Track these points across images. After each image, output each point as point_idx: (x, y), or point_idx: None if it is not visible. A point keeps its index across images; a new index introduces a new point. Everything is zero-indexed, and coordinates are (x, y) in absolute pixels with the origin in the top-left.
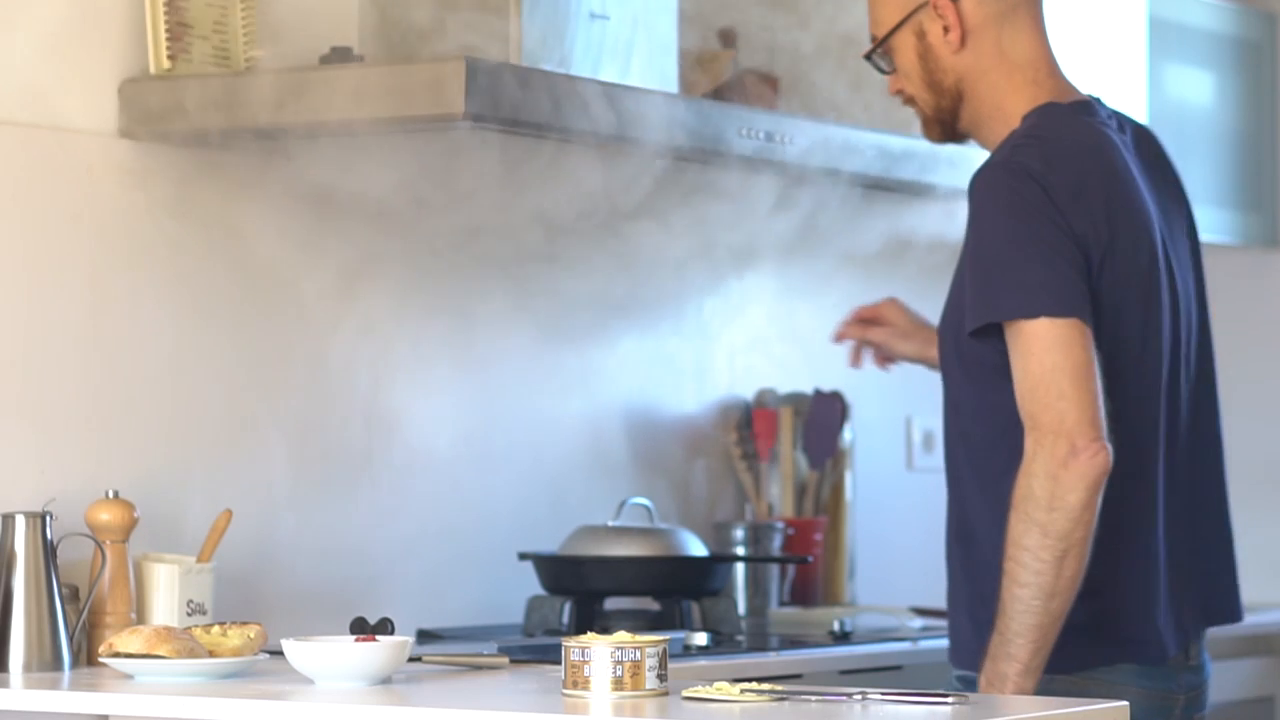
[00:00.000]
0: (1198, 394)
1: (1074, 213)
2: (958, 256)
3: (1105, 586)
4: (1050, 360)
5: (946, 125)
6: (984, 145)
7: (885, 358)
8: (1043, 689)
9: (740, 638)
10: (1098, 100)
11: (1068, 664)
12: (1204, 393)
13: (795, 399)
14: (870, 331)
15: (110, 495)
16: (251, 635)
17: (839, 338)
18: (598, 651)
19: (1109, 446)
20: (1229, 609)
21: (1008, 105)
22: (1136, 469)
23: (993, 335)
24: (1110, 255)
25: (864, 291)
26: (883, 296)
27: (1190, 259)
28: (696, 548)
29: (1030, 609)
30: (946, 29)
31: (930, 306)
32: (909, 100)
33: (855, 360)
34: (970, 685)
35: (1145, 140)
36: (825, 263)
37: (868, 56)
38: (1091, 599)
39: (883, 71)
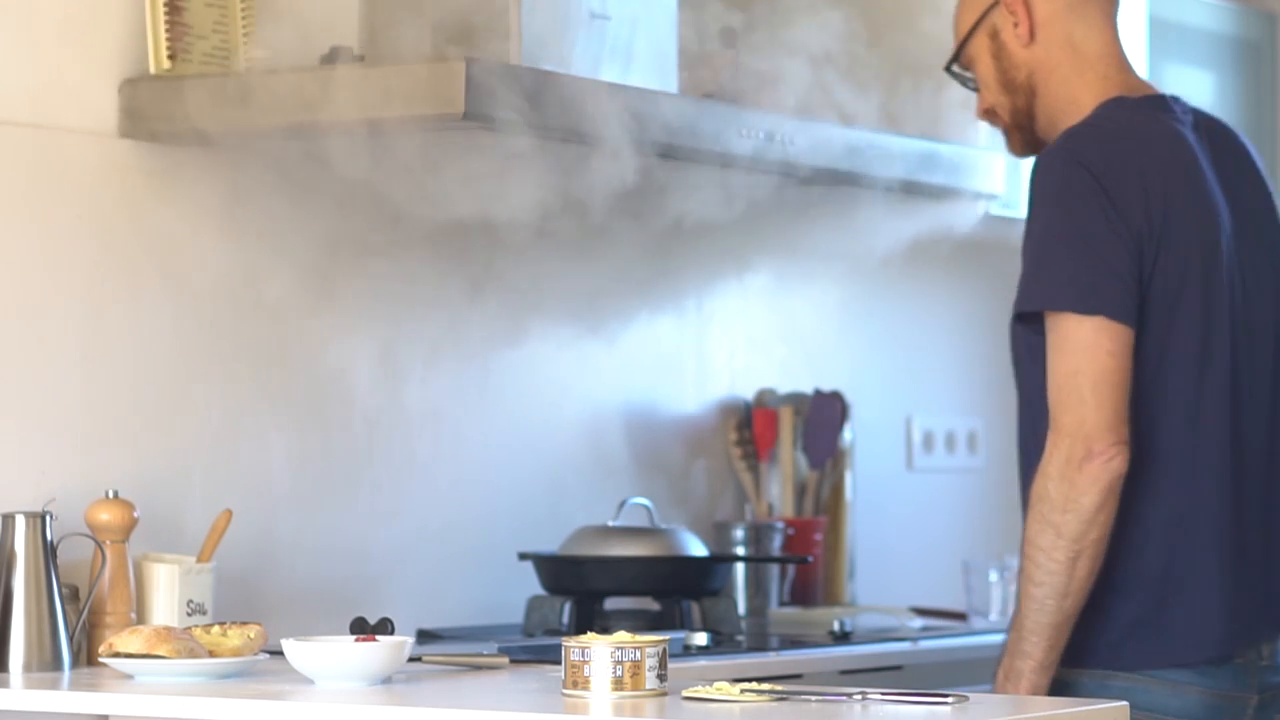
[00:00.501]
0: (1277, 391)
1: (1125, 202)
2: (959, 253)
3: (1169, 583)
4: (1074, 363)
5: (1026, 130)
6: None
7: None
8: (1098, 687)
9: (740, 638)
10: (1174, 98)
11: (1130, 662)
12: (1271, 417)
13: (795, 399)
14: None
15: (110, 495)
16: (251, 635)
17: None
18: (598, 651)
19: (1126, 450)
20: None
21: (1081, 99)
22: (1203, 463)
23: (1039, 324)
24: (1165, 246)
25: (864, 291)
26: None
27: (1270, 256)
28: (696, 548)
29: (1044, 608)
30: (1017, 24)
31: (931, 303)
32: (994, 116)
33: None
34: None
35: (1226, 138)
36: (826, 263)
37: (948, 68)
38: (1156, 596)
39: (967, 87)
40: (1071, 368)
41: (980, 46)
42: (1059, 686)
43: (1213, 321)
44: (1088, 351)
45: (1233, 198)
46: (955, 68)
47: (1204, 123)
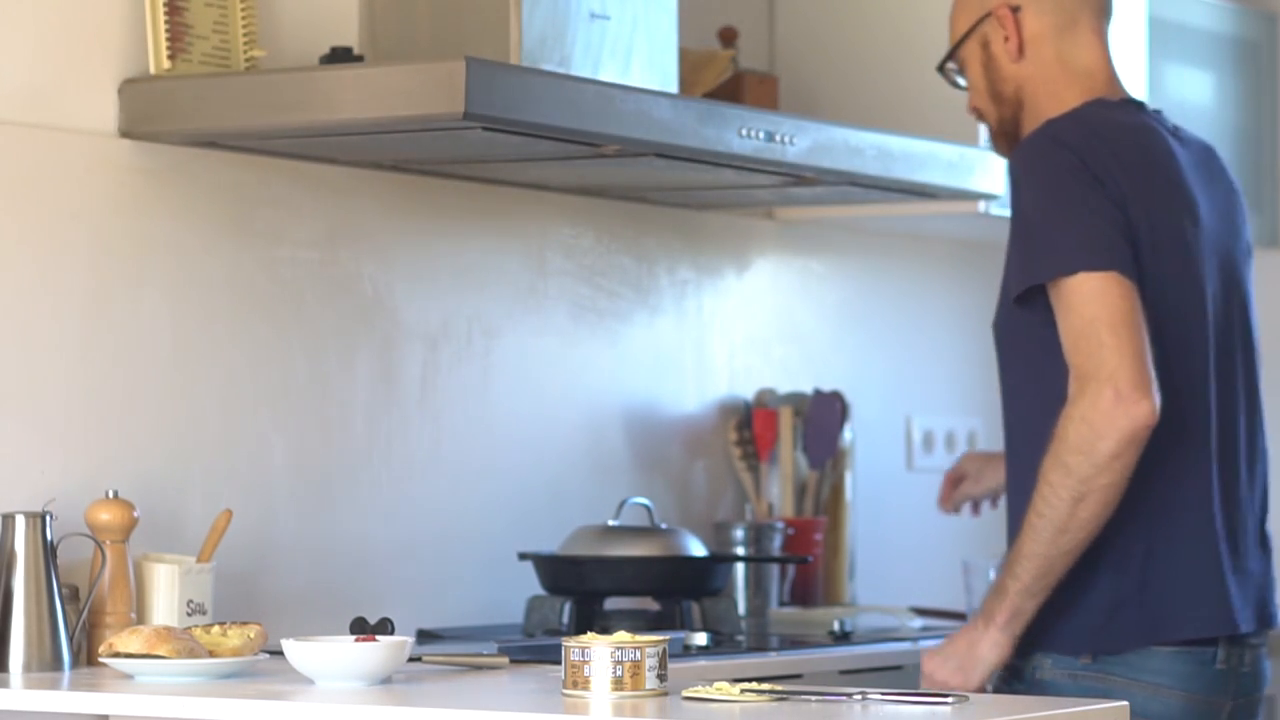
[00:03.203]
0: (1250, 403)
1: (1109, 178)
2: (959, 253)
3: (1153, 562)
4: (1089, 311)
5: (1010, 138)
6: None
7: (975, 505)
8: (1080, 690)
9: (740, 638)
10: (1158, 112)
11: (1114, 644)
12: (1253, 406)
13: (795, 399)
14: (963, 489)
15: (110, 495)
16: (251, 635)
17: (950, 510)
18: (598, 651)
19: (1155, 400)
20: (1272, 612)
21: (1067, 109)
22: (1186, 445)
23: (1039, 305)
24: (1149, 225)
25: (864, 291)
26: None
27: (1243, 271)
28: (696, 548)
29: (1040, 538)
30: (1006, 38)
31: (931, 303)
32: (980, 116)
33: (953, 509)
34: (1014, 675)
35: (1205, 155)
36: (826, 263)
37: (940, 69)
38: (1139, 576)
39: (958, 87)
40: (1088, 315)
41: (971, 53)
42: (1044, 685)
43: (1189, 305)
44: (1102, 298)
45: (1207, 195)
46: (948, 67)
47: (1187, 139)
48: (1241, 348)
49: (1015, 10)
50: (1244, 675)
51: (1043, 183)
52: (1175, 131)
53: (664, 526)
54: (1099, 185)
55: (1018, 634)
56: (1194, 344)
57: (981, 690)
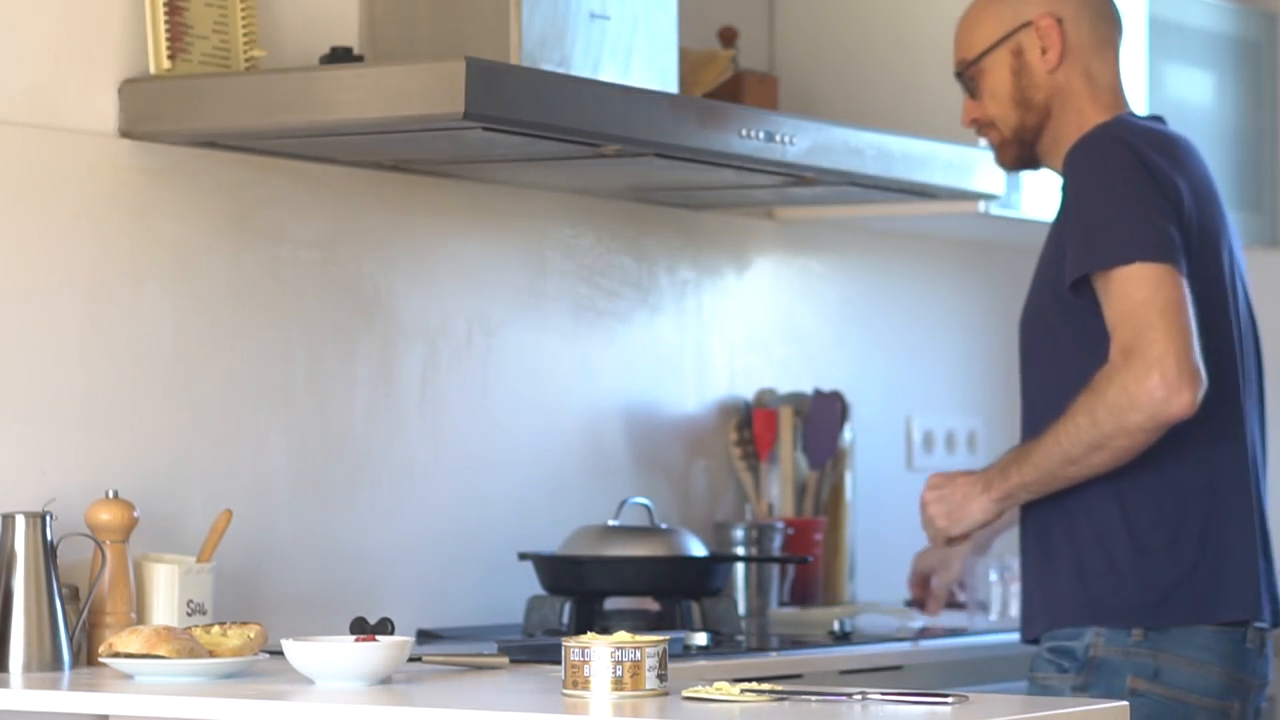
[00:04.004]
0: (1261, 402)
1: (1164, 179)
2: (959, 253)
3: (1206, 546)
4: (1141, 296)
5: (1026, 145)
6: (1056, 169)
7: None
8: (1134, 667)
9: (740, 638)
10: (1161, 117)
11: (1166, 620)
12: (1263, 405)
13: (795, 399)
14: (941, 582)
15: (110, 495)
16: (251, 635)
17: (937, 612)
18: (598, 651)
19: (1198, 394)
20: (1277, 608)
21: (1088, 124)
22: (1225, 434)
23: (1087, 295)
24: (1197, 226)
25: (864, 291)
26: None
27: (1244, 274)
28: (696, 548)
29: (1052, 458)
30: (1044, 50)
31: (931, 303)
32: (985, 124)
33: (940, 608)
34: (1065, 655)
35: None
36: (826, 263)
37: (959, 75)
38: (1191, 558)
39: (969, 93)
40: (1140, 299)
41: (1000, 61)
42: (1098, 664)
43: (1224, 305)
44: (1155, 286)
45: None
46: (965, 75)
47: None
48: (1254, 348)
49: (1060, 21)
50: (1264, 659)
51: (1104, 177)
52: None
53: (664, 526)
54: (1156, 183)
55: (1006, 510)
56: (1231, 342)
57: (964, 538)
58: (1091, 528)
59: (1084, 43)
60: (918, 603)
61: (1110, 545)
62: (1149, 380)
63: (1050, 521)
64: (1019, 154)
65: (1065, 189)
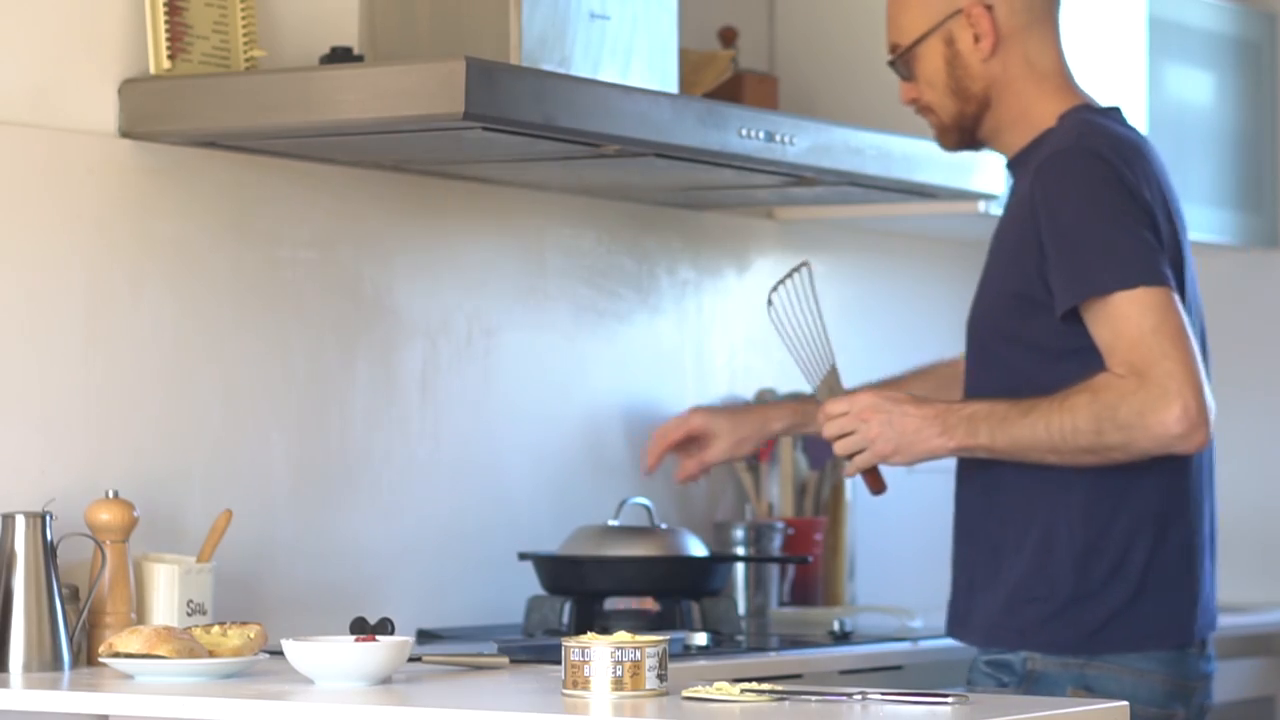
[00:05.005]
0: None
1: (1139, 194)
2: (959, 253)
3: (1149, 577)
4: (1149, 322)
5: (966, 132)
6: (1003, 151)
7: (701, 469)
8: (1075, 678)
9: (740, 638)
10: (1120, 109)
11: (1104, 648)
12: None
13: (795, 399)
14: (711, 454)
15: (110, 495)
16: (251, 635)
17: (684, 480)
18: (598, 651)
19: (1210, 433)
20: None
21: (1034, 111)
22: (1182, 461)
23: (1072, 316)
24: (1170, 241)
25: (864, 291)
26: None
27: (1194, 271)
28: (696, 548)
29: (1033, 438)
30: (977, 37)
31: (931, 303)
32: (924, 108)
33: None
34: (1003, 669)
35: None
36: (826, 263)
37: (891, 63)
38: (1135, 589)
39: (903, 78)
40: (1148, 325)
41: (933, 50)
42: (1036, 677)
43: (1192, 318)
44: (1161, 311)
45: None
46: (899, 61)
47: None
48: (1208, 361)
49: (989, 8)
50: (1205, 658)
51: (1086, 197)
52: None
53: (664, 526)
54: (1137, 201)
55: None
56: (1204, 359)
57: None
58: (1038, 554)
59: (1018, 26)
60: (653, 462)
61: (1054, 573)
62: (1168, 413)
63: (1003, 539)
64: (960, 139)
65: (1040, 206)
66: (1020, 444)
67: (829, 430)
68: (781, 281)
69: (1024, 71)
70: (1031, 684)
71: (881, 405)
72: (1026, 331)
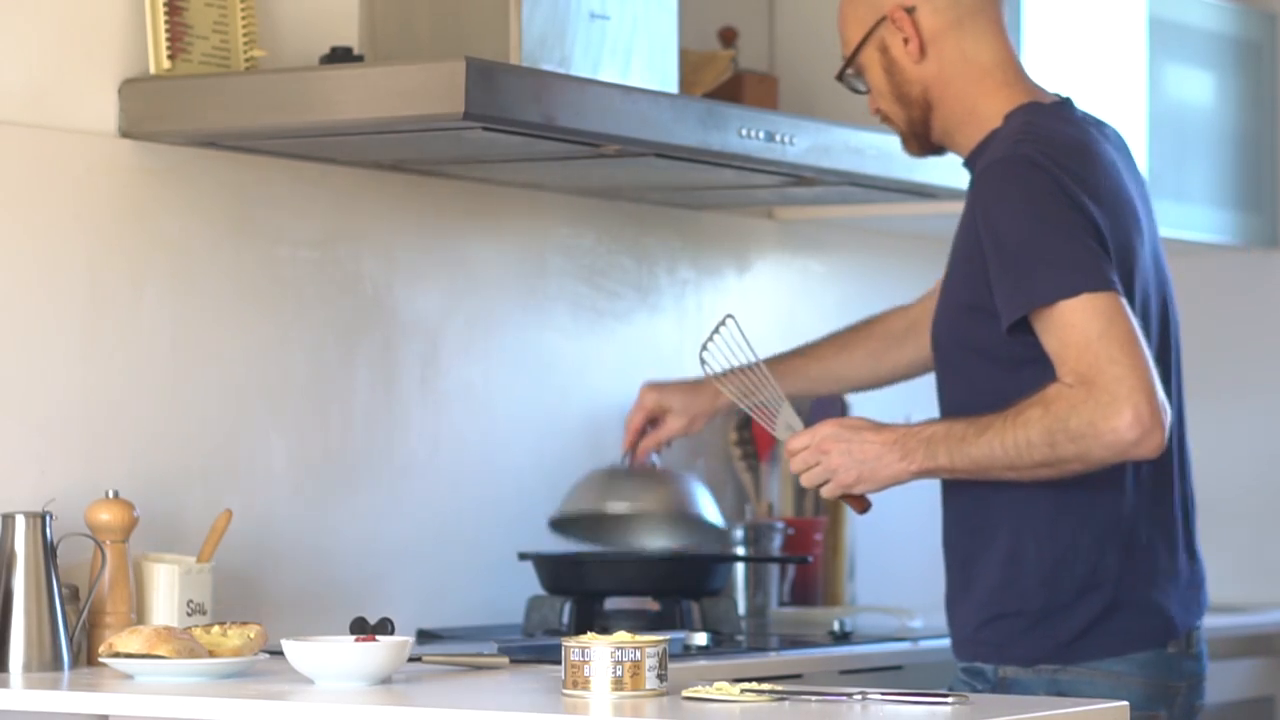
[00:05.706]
0: (1181, 393)
1: (1080, 200)
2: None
3: (1122, 587)
4: (1095, 328)
5: (922, 138)
6: (959, 152)
7: (656, 446)
8: (1047, 684)
9: (740, 638)
10: (1070, 101)
11: (1079, 657)
12: (1182, 411)
13: (795, 399)
14: (666, 430)
15: (110, 495)
16: (251, 635)
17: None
18: (598, 651)
19: (1165, 436)
20: (1204, 600)
21: (981, 109)
22: (1153, 467)
23: (1022, 327)
24: (1115, 245)
25: (864, 290)
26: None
27: (1166, 269)
28: (706, 500)
29: (992, 457)
30: (906, 40)
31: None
32: (885, 118)
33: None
34: (977, 676)
35: (1120, 145)
36: (826, 263)
37: (839, 78)
38: (1109, 598)
39: (858, 91)
40: (1094, 331)
41: (871, 59)
42: (1009, 684)
43: (1145, 323)
44: (1107, 316)
45: (1138, 194)
46: (847, 74)
47: (1101, 126)
48: (1174, 355)
49: (910, 11)
50: (1190, 657)
51: (1024, 206)
52: (1099, 128)
53: (675, 471)
54: (1077, 207)
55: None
56: (1165, 364)
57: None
58: (1005, 569)
59: (944, 25)
60: (637, 453)
61: (1023, 588)
62: (1119, 419)
63: (970, 553)
64: (920, 145)
65: (980, 219)
66: (979, 463)
67: (793, 466)
68: (710, 338)
69: (962, 70)
70: (1004, 691)
71: (841, 435)
72: (983, 342)
